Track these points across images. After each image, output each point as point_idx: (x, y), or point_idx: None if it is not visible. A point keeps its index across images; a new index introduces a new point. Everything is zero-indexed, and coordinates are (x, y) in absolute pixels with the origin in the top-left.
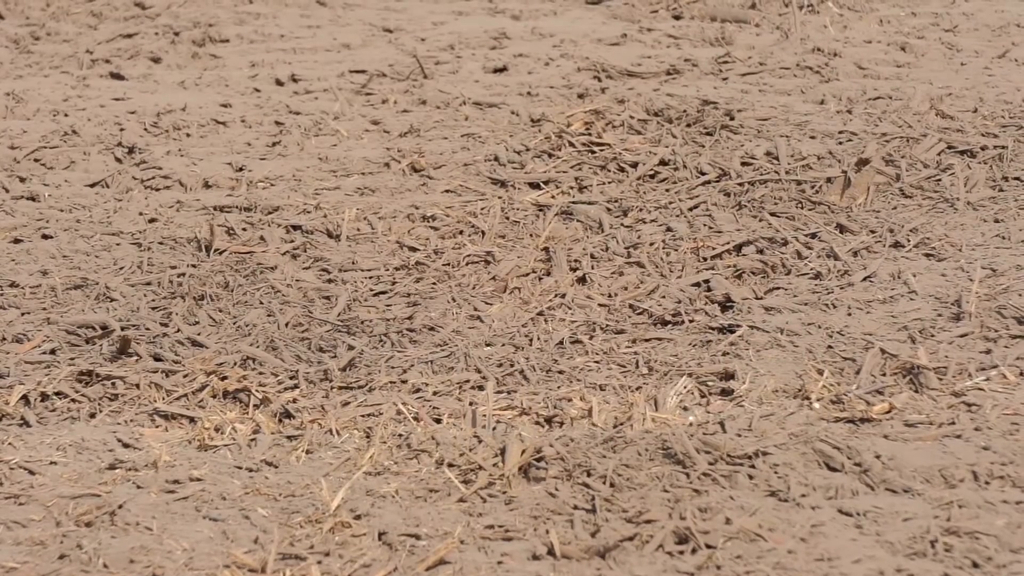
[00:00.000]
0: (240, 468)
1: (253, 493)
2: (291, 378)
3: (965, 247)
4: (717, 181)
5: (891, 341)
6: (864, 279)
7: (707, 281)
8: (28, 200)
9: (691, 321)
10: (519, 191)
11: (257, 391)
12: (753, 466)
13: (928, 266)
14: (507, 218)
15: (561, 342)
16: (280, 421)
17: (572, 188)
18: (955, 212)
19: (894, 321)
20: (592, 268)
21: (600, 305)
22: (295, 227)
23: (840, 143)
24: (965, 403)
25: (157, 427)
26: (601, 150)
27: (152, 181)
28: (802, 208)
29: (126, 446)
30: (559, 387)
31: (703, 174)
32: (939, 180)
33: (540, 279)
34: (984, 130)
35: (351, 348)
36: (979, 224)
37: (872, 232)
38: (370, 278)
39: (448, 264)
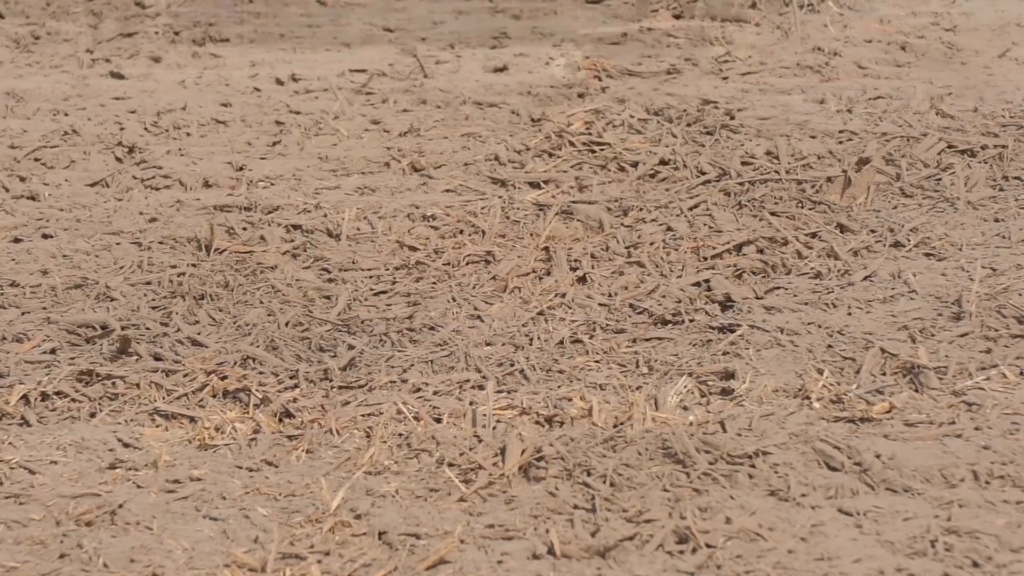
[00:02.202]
0: (240, 468)
1: (253, 492)
2: (291, 377)
3: (965, 246)
4: (717, 180)
5: (891, 340)
6: (864, 279)
7: (707, 281)
8: (28, 199)
9: (691, 320)
10: (519, 191)
11: (257, 391)
12: (753, 465)
13: (928, 266)
14: (507, 217)
15: (561, 342)
16: (280, 420)
17: (572, 187)
18: (955, 211)
19: (894, 320)
20: (592, 267)
21: (600, 305)
22: (295, 227)
23: (840, 143)
24: (965, 402)
25: (157, 427)
26: (601, 150)
27: (152, 180)
28: (802, 207)
29: (126, 445)
30: (559, 386)
31: (703, 173)
32: (939, 179)
33: (540, 279)
34: (984, 129)
35: (351, 347)
36: (979, 223)
37: (872, 231)
38: (370, 278)
39: (448, 264)
